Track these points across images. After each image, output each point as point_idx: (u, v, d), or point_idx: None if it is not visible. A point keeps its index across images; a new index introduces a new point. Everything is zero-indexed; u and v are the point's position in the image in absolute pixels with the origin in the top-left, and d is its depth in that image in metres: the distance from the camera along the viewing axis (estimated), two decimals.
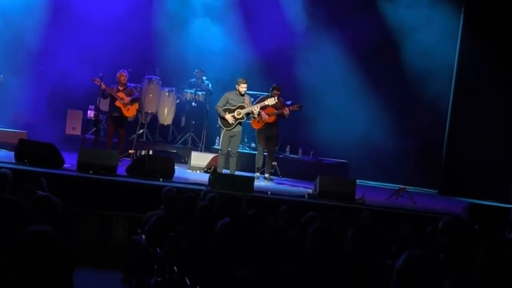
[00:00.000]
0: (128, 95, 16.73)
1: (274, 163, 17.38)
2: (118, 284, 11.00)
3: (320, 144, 19.10)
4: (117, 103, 16.60)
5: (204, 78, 19.01)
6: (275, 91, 16.34)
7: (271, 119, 16.34)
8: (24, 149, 13.76)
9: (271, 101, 16.07)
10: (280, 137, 17.20)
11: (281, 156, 18.56)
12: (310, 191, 14.71)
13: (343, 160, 19.12)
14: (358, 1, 19.82)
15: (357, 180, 15.41)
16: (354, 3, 19.71)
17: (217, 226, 7.21)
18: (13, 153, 13.84)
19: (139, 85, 18.30)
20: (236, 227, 6.79)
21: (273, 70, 18.87)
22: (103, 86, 16.37)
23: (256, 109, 15.89)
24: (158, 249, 9.36)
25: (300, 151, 19.12)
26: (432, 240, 6.54)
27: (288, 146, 19.03)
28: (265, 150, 16.69)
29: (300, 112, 16.99)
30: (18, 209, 4.67)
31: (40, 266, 3.50)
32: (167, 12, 19.71)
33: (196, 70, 18.98)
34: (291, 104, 16.50)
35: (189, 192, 10.77)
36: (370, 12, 19.51)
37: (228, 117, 15.62)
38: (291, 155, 19.07)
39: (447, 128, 19.40)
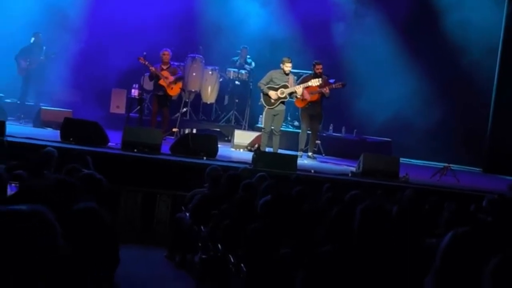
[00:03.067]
0: (171, 73, 16.77)
1: (318, 141, 17.34)
2: (162, 261, 11.09)
3: (364, 122, 19.04)
4: (161, 82, 16.65)
5: (248, 56, 18.99)
6: (316, 67, 16.26)
7: (314, 97, 16.27)
8: (70, 128, 13.89)
9: (315, 82, 15.97)
10: (323, 116, 17.14)
11: (324, 134, 18.52)
12: (354, 169, 14.67)
13: (386, 139, 19.02)
14: None
15: (401, 158, 15.33)
16: None
17: (260, 204, 7.23)
18: (58, 131, 13.97)
19: (182, 63, 18.33)
20: (279, 205, 6.80)
21: (315, 47, 18.78)
22: (147, 65, 16.43)
23: (299, 89, 15.83)
24: (202, 227, 9.42)
25: (343, 130, 19.06)
26: (476, 219, 6.48)
27: (332, 124, 18.97)
28: (309, 129, 16.64)
29: (344, 90, 16.90)
30: (67, 187, 4.72)
31: (88, 242, 3.54)
32: None
33: (240, 49, 18.97)
34: (334, 82, 16.43)
35: (233, 171, 10.82)
36: None
37: (272, 93, 15.56)
38: (334, 134, 19.02)
39: (492, 106, 19.21)
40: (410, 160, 18.10)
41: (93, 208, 3.56)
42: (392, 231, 5.02)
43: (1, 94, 17.98)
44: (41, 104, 17.29)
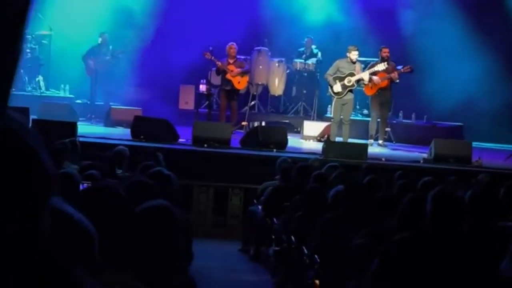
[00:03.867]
0: (238, 67, 16.82)
1: (388, 129, 17.19)
2: (236, 254, 11.15)
3: (434, 107, 18.81)
4: (228, 76, 16.70)
5: (313, 47, 18.91)
6: (383, 50, 16.16)
7: (383, 83, 16.14)
8: (140, 126, 14.05)
9: (381, 66, 15.89)
10: (393, 102, 17.00)
11: (394, 121, 18.35)
12: (425, 155, 14.53)
13: (457, 123, 18.76)
14: None
15: (473, 143, 15.12)
16: None
17: (331, 194, 7.21)
18: (129, 130, 14.14)
19: (248, 57, 18.36)
20: (350, 194, 6.76)
21: (381, 34, 18.60)
22: (214, 60, 16.51)
23: (366, 75, 15.74)
24: (274, 219, 9.43)
25: (413, 116, 18.86)
26: None
27: (401, 111, 18.79)
28: (378, 116, 16.53)
29: (412, 75, 16.75)
30: (139, 185, 4.78)
31: (160, 239, 3.57)
32: None
33: (305, 39, 18.91)
34: (402, 67, 16.29)
35: (303, 162, 10.81)
36: None
37: (337, 86, 15.52)
38: (404, 120, 18.84)
39: None
40: (482, 143, 17.79)
41: (164, 205, 3.58)
42: (466, 217, 4.95)
43: (71, 96, 18.27)
44: (110, 104, 17.51)
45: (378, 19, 18.91)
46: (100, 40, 17.53)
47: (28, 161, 0.75)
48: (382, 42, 17.25)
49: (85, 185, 5.96)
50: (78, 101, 18.13)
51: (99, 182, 5.48)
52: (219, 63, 16.59)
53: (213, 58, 16.50)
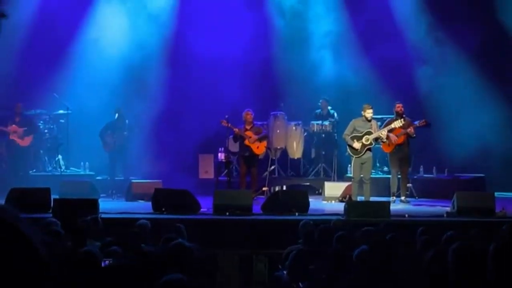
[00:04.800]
0: (256, 133, 16.87)
1: (409, 184, 17.14)
2: None
3: (454, 159, 18.74)
4: (246, 142, 16.75)
5: (329, 107, 18.99)
6: (397, 105, 16.23)
7: (400, 140, 16.14)
8: (160, 198, 14.07)
9: (397, 123, 15.91)
10: (412, 158, 16.96)
11: (415, 177, 18.28)
12: (448, 209, 14.42)
13: (479, 175, 18.65)
14: (474, 4, 19.47)
15: (496, 193, 15.00)
16: (470, 5, 19.36)
17: (355, 254, 7.15)
18: (150, 203, 14.16)
19: (265, 122, 18.44)
20: (374, 253, 6.71)
21: (395, 90, 18.66)
22: (231, 127, 16.58)
23: (383, 133, 15.76)
24: (300, 284, 9.36)
25: (434, 170, 18.79)
26: None
27: (422, 166, 18.73)
28: (399, 173, 16.49)
29: (430, 129, 16.76)
30: (153, 259, 4.78)
31: None
32: (284, 47, 19.90)
33: (320, 101, 18.99)
34: (418, 122, 16.30)
35: (325, 224, 10.76)
36: (488, 13, 19.22)
37: (356, 144, 15.57)
38: (425, 175, 18.76)
39: None
40: (505, 193, 17.67)
41: (180, 279, 3.58)
42: (490, 268, 4.90)
43: (92, 173, 18.38)
44: (131, 178, 17.57)
45: (389, 76, 19.00)
46: (116, 115, 17.67)
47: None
48: (395, 98, 17.30)
49: (107, 262, 5.96)
50: (99, 177, 18.23)
51: (119, 260, 5.48)
52: (236, 130, 16.66)
53: (230, 125, 16.58)
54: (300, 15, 20.24)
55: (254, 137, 16.78)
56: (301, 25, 20.21)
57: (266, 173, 18.01)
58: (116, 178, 17.87)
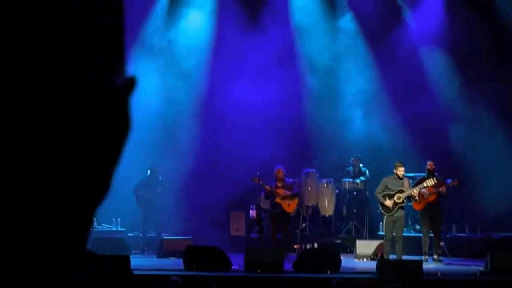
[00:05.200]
0: (287, 190, 16.85)
1: (441, 243, 16.98)
2: None
3: (487, 218, 18.55)
4: (278, 200, 16.73)
5: (361, 165, 18.96)
6: (429, 163, 16.19)
7: (432, 198, 16.07)
8: (192, 255, 14.06)
9: (430, 182, 15.85)
10: (444, 216, 16.85)
11: (447, 235, 18.12)
12: (482, 268, 14.26)
13: None
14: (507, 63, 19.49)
15: None
16: (502, 65, 19.39)
17: None
18: (181, 260, 14.16)
19: (296, 179, 18.43)
20: None
21: (427, 148, 18.63)
22: (262, 184, 16.60)
23: (415, 191, 15.71)
24: None
25: (466, 228, 18.62)
26: None
27: (454, 224, 18.57)
28: (431, 231, 16.38)
29: (461, 187, 16.66)
30: None
31: None
32: (316, 104, 20.02)
33: (352, 159, 18.99)
34: (450, 181, 16.23)
35: (357, 282, 10.71)
36: None
37: (388, 202, 15.52)
38: (458, 234, 18.58)
39: None
40: None
41: None
42: None
43: (123, 229, 18.43)
44: (162, 234, 17.59)
45: (420, 133, 19.02)
46: (149, 172, 17.76)
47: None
48: (426, 156, 17.27)
49: None
50: (130, 234, 18.27)
51: None
52: (267, 188, 16.65)
53: (261, 182, 16.58)
54: (332, 73, 20.40)
55: (286, 194, 16.76)
56: (332, 83, 20.37)
57: (298, 230, 17.96)
58: (148, 234, 17.90)
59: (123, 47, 0.69)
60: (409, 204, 16.32)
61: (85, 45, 0.63)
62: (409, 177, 16.56)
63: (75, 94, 0.61)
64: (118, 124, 0.67)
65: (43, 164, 0.60)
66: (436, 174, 16.14)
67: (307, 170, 18.74)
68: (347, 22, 20.68)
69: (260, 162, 17.83)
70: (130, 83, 0.70)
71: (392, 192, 15.57)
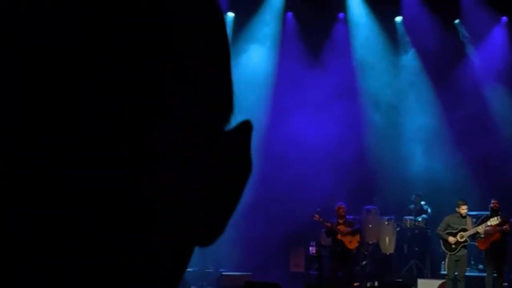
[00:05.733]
0: (348, 227, 16.72)
1: (505, 284, 16.64)
2: None
3: None
4: (339, 237, 16.60)
5: (422, 203, 18.74)
6: (492, 202, 15.94)
7: (495, 237, 15.77)
8: None
9: (494, 221, 15.58)
10: (508, 255, 16.52)
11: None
12: None
13: None
14: None
15: None
16: None
17: None
18: None
19: (357, 216, 18.28)
20: None
21: (489, 186, 18.34)
22: (323, 222, 16.49)
23: (480, 229, 15.45)
24: None
25: None
26: None
27: None
28: (494, 271, 16.06)
29: None
30: None
31: None
32: (376, 139, 19.92)
33: (413, 196, 18.78)
34: None
35: None
36: None
37: (451, 240, 15.26)
38: None
39: None
40: None
41: None
42: None
43: None
44: (221, 270, 17.57)
45: (483, 171, 18.75)
46: None
47: None
48: (489, 195, 17.00)
49: None
50: (189, 269, 18.21)
51: None
52: (328, 225, 16.54)
53: (322, 219, 16.48)
54: (394, 109, 20.30)
55: (347, 231, 16.62)
56: (394, 119, 20.25)
57: (358, 268, 17.77)
58: (207, 270, 17.89)
59: (231, 85, 0.68)
60: (472, 242, 16.06)
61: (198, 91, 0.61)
62: (471, 216, 16.32)
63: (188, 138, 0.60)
64: (236, 170, 0.66)
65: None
66: (500, 212, 15.87)
67: (368, 207, 18.59)
68: (410, 58, 20.61)
69: (320, 198, 17.75)
70: (248, 126, 0.69)
71: (455, 231, 15.33)
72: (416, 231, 18.59)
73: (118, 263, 0.56)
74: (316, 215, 16.51)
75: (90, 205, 0.54)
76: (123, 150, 0.54)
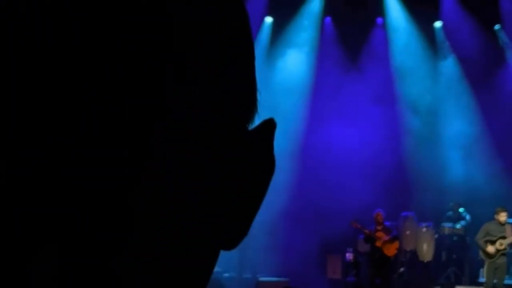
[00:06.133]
0: (386, 234, 16.64)
1: None
2: None
3: None
4: (377, 244, 16.52)
5: (461, 210, 18.59)
6: None
7: None
8: None
9: None
10: None
11: None
12: None
13: None
14: None
15: None
16: None
17: None
18: None
19: (394, 222, 18.17)
20: None
21: None
22: (361, 228, 16.43)
23: None
24: None
25: None
26: None
27: None
28: None
29: None
30: None
31: None
32: (415, 145, 19.80)
33: (451, 203, 18.63)
34: None
35: None
36: None
37: (490, 248, 15.12)
38: None
39: None
40: None
41: None
42: None
43: (219, 269, 18.45)
44: (258, 276, 17.55)
45: None
46: None
47: None
48: None
49: None
50: (226, 274, 18.27)
51: None
52: (367, 232, 16.47)
53: (360, 226, 16.42)
54: (432, 115, 20.17)
55: (386, 238, 16.54)
56: (432, 125, 20.11)
57: (396, 275, 17.65)
58: (244, 275, 17.89)
59: (253, 85, 0.68)
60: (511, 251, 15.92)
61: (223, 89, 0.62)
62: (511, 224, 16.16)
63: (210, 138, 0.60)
64: (258, 169, 0.65)
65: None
66: None
67: (405, 213, 18.46)
68: (449, 63, 20.46)
69: (358, 204, 17.67)
70: (270, 125, 0.70)
71: (494, 239, 15.19)
72: (455, 238, 18.43)
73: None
74: (354, 222, 16.45)
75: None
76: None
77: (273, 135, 0.70)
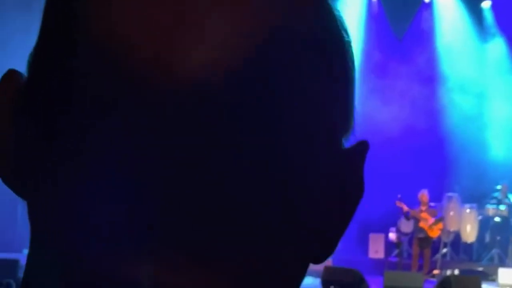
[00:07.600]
0: (431, 214, 16.60)
1: None
2: None
3: None
4: (421, 224, 16.50)
5: (508, 192, 18.43)
6: None
7: None
8: (330, 276, 13.99)
9: None
10: None
11: None
12: None
13: None
14: None
15: None
16: None
17: None
18: (319, 279, 14.12)
19: (438, 203, 18.12)
20: None
21: None
22: (406, 208, 16.40)
23: None
24: None
25: None
26: None
27: None
28: None
29: None
30: None
31: None
32: (461, 124, 19.67)
33: (500, 185, 18.43)
34: None
35: None
36: None
37: None
38: None
39: None
40: None
41: None
42: None
43: None
44: None
45: None
46: None
47: None
48: None
49: None
50: None
51: None
52: (411, 211, 16.44)
53: (404, 206, 16.39)
54: (479, 95, 20.01)
55: (431, 219, 16.51)
56: (480, 106, 19.95)
57: (438, 255, 17.62)
58: None
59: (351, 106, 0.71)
60: None
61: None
62: None
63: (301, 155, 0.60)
64: (351, 191, 0.67)
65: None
66: None
67: (450, 194, 18.38)
68: (497, 45, 20.26)
69: (401, 184, 17.61)
70: (365, 146, 0.72)
71: None
72: (499, 219, 18.32)
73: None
74: (399, 202, 16.43)
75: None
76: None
77: (365, 157, 0.72)
